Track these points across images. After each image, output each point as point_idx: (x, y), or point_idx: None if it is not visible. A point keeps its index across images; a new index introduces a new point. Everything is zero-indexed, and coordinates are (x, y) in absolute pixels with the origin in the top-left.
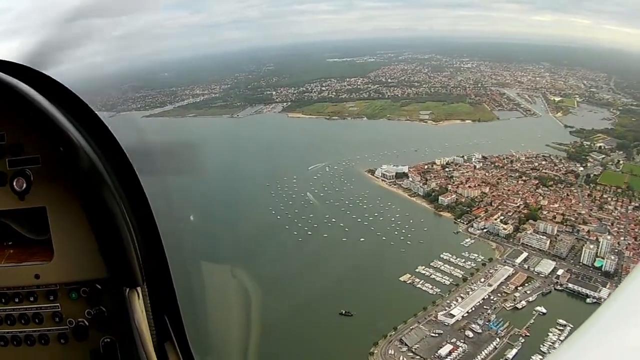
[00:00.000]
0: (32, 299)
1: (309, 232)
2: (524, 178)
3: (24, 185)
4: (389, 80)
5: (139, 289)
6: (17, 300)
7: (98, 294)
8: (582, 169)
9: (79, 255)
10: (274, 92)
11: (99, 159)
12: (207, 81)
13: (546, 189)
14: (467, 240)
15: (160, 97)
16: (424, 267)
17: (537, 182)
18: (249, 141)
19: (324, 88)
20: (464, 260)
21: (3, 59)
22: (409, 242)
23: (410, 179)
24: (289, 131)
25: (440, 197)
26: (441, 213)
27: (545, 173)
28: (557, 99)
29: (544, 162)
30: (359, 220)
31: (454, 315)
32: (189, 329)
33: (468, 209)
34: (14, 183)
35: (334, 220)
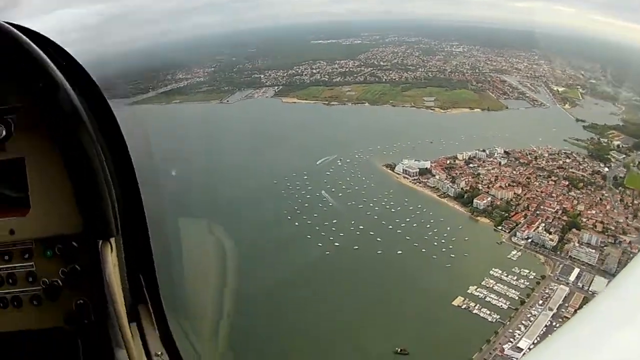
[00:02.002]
0: (6, 257)
1: (337, 243)
2: (553, 178)
3: (4, 133)
4: (382, 63)
5: (112, 240)
6: None
7: (73, 250)
8: (607, 169)
9: (56, 208)
10: (262, 76)
11: (80, 102)
12: (189, 65)
13: (578, 191)
14: (513, 252)
15: (141, 84)
16: (475, 287)
17: (567, 183)
18: (244, 130)
19: (314, 71)
20: (516, 277)
21: None
22: (452, 255)
23: (437, 176)
24: (287, 118)
25: (475, 200)
26: (478, 218)
27: (573, 173)
28: (561, 89)
29: (568, 160)
30: (390, 227)
31: (521, 349)
32: (163, 290)
33: (506, 215)
34: None
35: (361, 227)
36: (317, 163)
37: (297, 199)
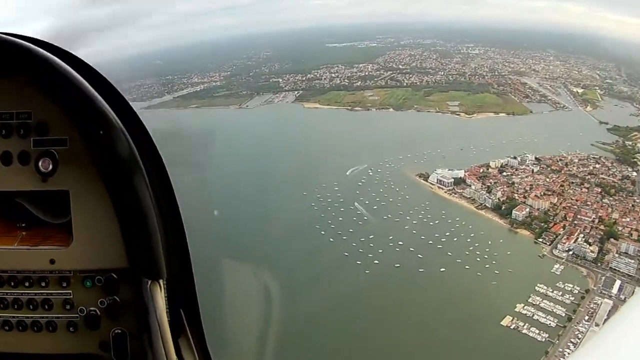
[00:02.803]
0: (43, 284)
1: (376, 261)
2: (585, 185)
3: (50, 167)
4: (400, 66)
5: (161, 281)
6: (27, 284)
7: (114, 283)
8: (635, 174)
9: (100, 242)
10: (280, 80)
11: (134, 146)
12: (205, 69)
13: (611, 198)
14: (556, 266)
15: (156, 87)
16: (523, 305)
17: (600, 190)
18: (268, 138)
19: (333, 75)
20: (561, 293)
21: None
22: (496, 272)
23: (473, 187)
24: (311, 125)
25: (514, 212)
26: (517, 230)
27: (604, 179)
28: (580, 90)
29: (597, 166)
30: (430, 242)
31: None
32: (206, 325)
33: (545, 226)
34: (40, 164)
35: (400, 243)
36: (347, 173)
37: (330, 212)
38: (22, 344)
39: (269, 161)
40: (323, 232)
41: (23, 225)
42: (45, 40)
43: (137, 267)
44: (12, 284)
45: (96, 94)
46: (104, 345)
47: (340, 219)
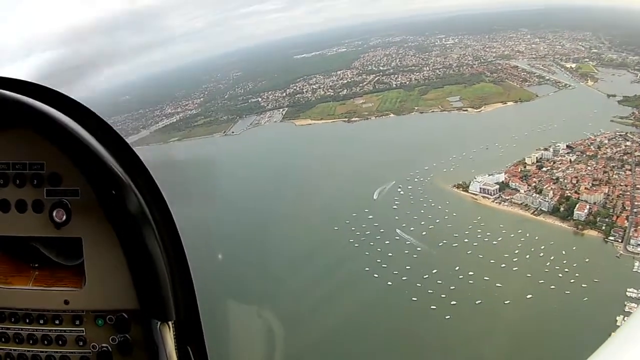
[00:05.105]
0: (57, 321)
1: (453, 302)
2: (626, 167)
3: (64, 217)
4: (381, 68)
5: (170, 322)
6: (41, 322)
7: (125, 323)
8: None
9: (111, 285)
10: (259, 99)
11: (143, 198)
12: (175, 98)
13: None
14: (636, 264)
15: (129, 123)
16: (622, 317)
17: None
18: (269, 167)
19: (314, 86)
20: None
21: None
22: (584, 285)
23: (522, 191)
24: (312, 145)
25: (575, 212)
26: (583, 232)
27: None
28: (573, 65)
29: (628, 143)
30: (503, 265)
31: None
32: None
33: (610, 221)
34: (54, 214)
35: (471, 273)
36: (375, 197)
37: (375, 248)
38: None
39: (284, 199)
40: (376, 275)
41: (36, 265)
42: None
43: (147, 309)
44: (27, 320)
45: (103, 149)
46: None
47: (390, 254)
